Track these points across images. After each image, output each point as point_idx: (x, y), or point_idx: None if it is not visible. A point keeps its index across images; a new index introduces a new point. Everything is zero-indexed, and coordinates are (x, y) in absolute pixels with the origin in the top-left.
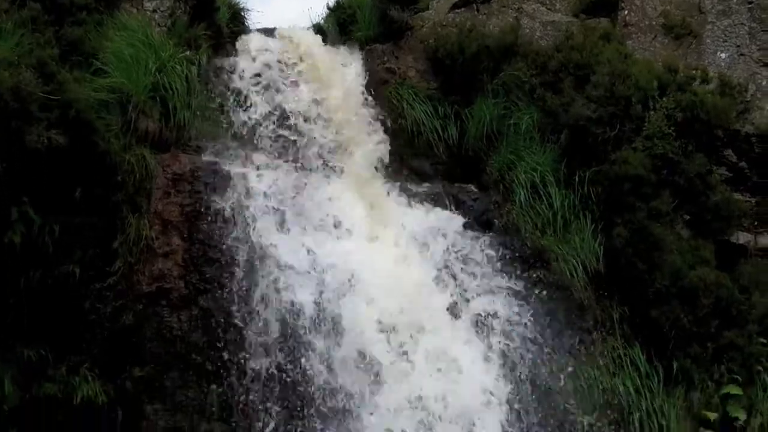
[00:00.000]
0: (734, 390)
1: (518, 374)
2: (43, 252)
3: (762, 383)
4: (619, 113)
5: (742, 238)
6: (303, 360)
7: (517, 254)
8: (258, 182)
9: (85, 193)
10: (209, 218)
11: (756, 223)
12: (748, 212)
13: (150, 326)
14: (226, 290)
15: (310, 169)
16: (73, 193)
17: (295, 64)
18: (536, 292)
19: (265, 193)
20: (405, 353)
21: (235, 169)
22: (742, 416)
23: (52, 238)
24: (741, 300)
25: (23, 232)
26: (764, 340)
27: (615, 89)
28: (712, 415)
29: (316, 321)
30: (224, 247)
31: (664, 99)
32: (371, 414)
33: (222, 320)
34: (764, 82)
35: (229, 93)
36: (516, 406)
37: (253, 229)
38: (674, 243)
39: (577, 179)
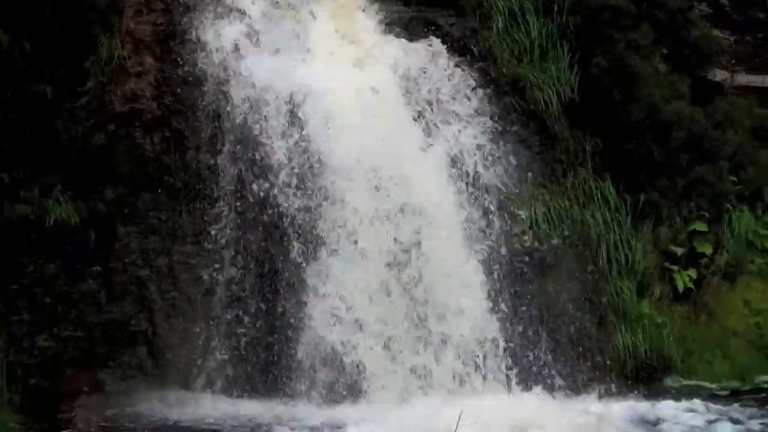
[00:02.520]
0: (701, 227)
1: (487, 201)
2: (13, 71)
3: (729, 221)
4: None
5: (719, 75)
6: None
7: (493, 81)
8: (232, 2)
9: (55, 11)
10: (182, 38)
11: (733, 61)
12: (727, 50)
13: (122, 147)
14: (199, 112)
15: None
16: (43, 10)
17: None
18: (510, 120)
19: (240, 12)
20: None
21: None
22: (709, 252)
23: (23, 56)
24: (714, 136)
25: None
26: (734, 178)
27: None
28: (679, 250)
29: (291, 150)
30: (197, 68)
31: None
32: (340, 227)
33: (195, 142)
34: None
35: None
36: (480, 229)
37: (227, 51)
38: (651, 76)
39: (555, 8)
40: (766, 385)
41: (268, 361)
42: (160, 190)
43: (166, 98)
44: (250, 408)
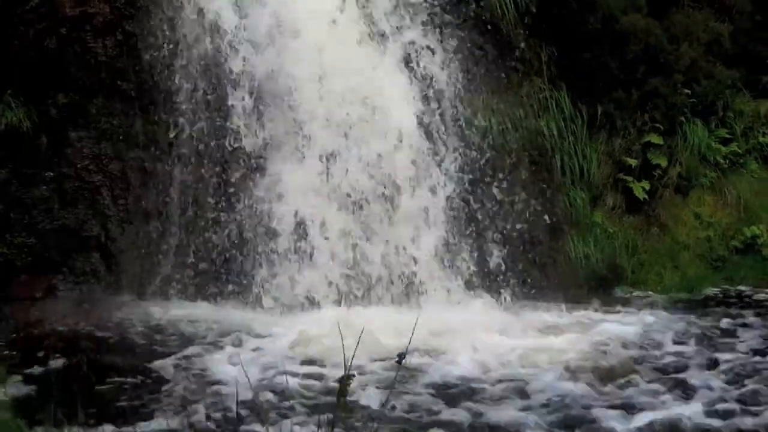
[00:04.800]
0: (655, 139)
1: (441, 110)
2: None
3: (683, 133)
4: None
5: None
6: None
7: None
8: None
9: None
10: None
11: None
12: None
13: (74, 51)
14: (153, 14)
15: None
16: None
17: None
18: (465, 27)
19: None
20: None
21: None
22: (663, 163)
23: None
24: (669, 49)
25: None
26: (688, 91)
27: None
28: (633, 162)
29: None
30: None
31: None
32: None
33: (148, 44)
34: None
35: None
36: (435, 136)
37: None
38: None
39: None
40: (713, 296)
41: (223, 266)
42: (112, 95)
43: (118, 1)
44: (205, 314)
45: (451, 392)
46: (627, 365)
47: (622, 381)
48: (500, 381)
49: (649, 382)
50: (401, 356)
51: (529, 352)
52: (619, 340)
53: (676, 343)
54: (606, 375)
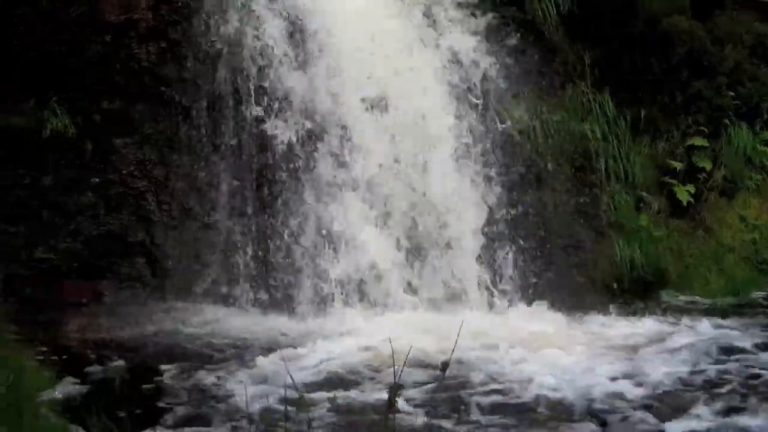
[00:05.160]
0: (700, 141)
1: (484, 115)
2: None
3: (727, 136)
4: None
5: None
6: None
7: None
8: None
9: None
10: None
11: None
12: None
13: (118, 58)
14: (196, 22)
15: None
16: None
17: None
18: (508, 31)
19: None
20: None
21: None
22: (708, 167)
23: None
24: (713, 51)
25: None
26: (732, 93)
27: None
28: (677, 165)
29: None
30: None
31: None
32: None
33: (192, 53)
34: None
35: None
36: (481, 145)
37: None
38: None
39: None
40: (760, 300)
41: (267, 272)
42: (156, 101)
43: (162, 8)
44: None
45: None
46: None
47: None
48: None
49: None
50: (445, 365)
51: None
52: None
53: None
54: None
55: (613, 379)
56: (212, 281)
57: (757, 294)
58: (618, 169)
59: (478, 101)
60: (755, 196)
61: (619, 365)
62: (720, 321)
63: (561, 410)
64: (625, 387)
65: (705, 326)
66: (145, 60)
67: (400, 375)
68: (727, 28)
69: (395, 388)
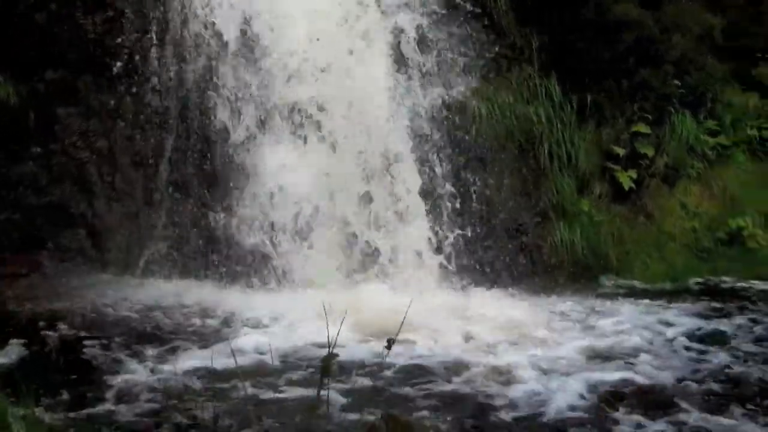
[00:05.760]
0: (644, 128)
1: (427, 95)
2: None
3: (671, 124)
4: None
5: None
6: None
7: None
8: None
9: None
10: None
11: None
12: None
13: (63, 28)
14: None
15: None
16: None
17: None
18: (456, 13)
19: None
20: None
21: None
22: (650, 153)
23: None
24: (661, 40)
25: None
26: (678, 82)
27: None
28: (620, 151)
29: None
30: None
31: None
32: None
33: (137, 24)
34: None
35: None
36: (424, 115)
37: None
38: None
39: None
40: (697, 287)
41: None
42: (101, 72)
43: None
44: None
45: None
46: None
47: None
48: None
49: None
50: (390, 342)
51: None
52: None
53: None
54: None
55: None
56: (154, 254)
57: (695, 280)
58: (561, 153)
59: (422, 81)
60: (696, 185)
61: None
62: (650, 302)
63: None
64: None
65: (629, 308)
66: (92, 31)
67: (335, 342)
68: (676, 18)
69: (330, 357)
